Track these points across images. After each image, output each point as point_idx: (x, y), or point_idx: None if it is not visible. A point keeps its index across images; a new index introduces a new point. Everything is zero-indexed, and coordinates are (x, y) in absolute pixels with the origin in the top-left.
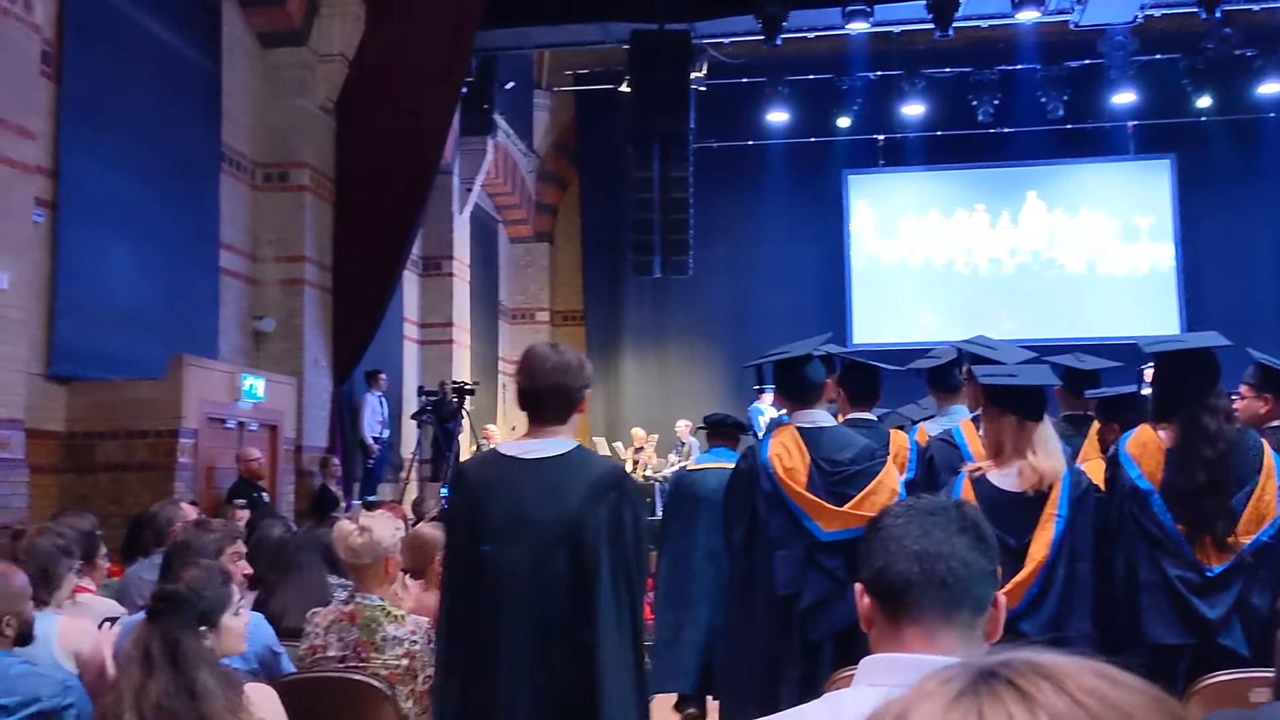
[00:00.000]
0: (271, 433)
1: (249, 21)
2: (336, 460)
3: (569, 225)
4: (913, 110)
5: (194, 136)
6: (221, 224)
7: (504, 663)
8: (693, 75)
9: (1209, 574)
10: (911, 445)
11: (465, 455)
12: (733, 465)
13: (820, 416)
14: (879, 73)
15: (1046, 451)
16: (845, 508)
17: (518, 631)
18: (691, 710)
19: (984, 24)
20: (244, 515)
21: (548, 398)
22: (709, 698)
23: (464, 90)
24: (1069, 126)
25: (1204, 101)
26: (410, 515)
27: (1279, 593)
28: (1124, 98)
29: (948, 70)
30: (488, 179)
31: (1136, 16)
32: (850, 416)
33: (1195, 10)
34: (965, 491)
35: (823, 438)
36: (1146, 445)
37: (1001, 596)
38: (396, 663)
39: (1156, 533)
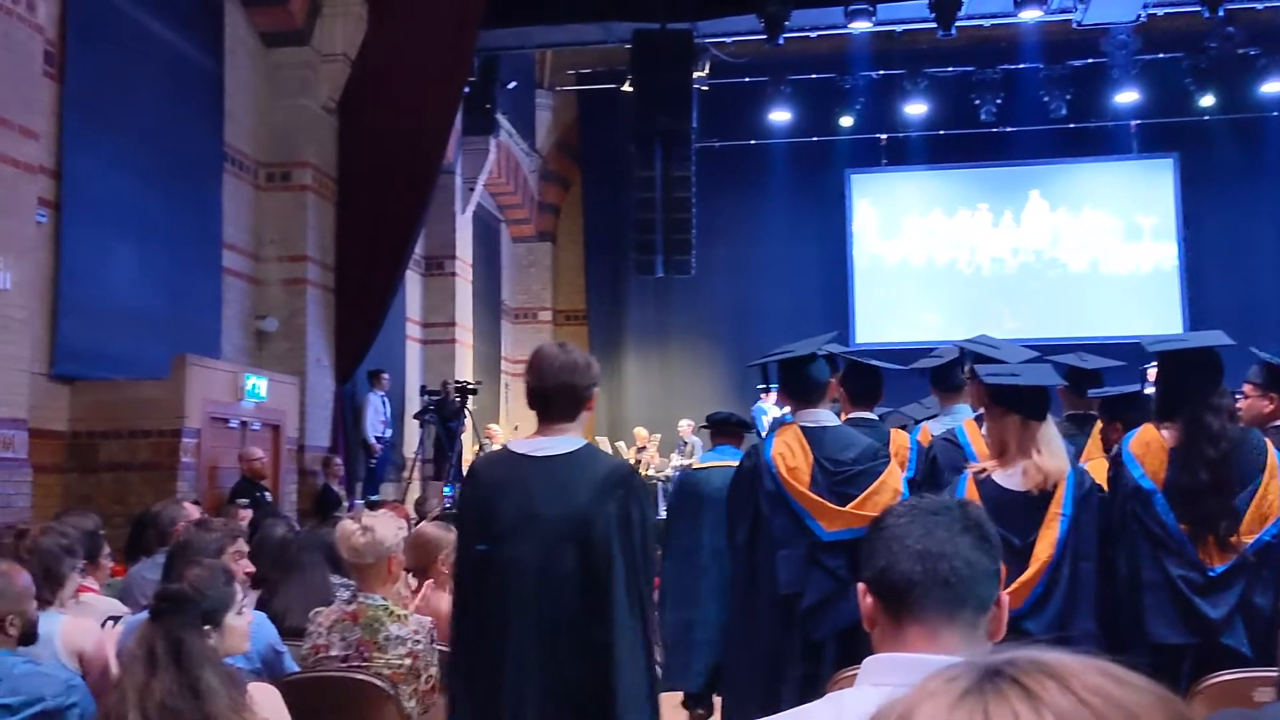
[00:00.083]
0: (274, 432)
1: (251, 21)
2: (339, 460)
3: (571, 225)
4: (915, 109)
5: (196, 136)
6: (224, 224)
7: (513, 659)
8: (695, 75)
9: (1211, 573)
10: (912, 444)
11: (468, 455)
12: (737, 463)
13: (824, 416)
14: (881, 72)
15: (1051, 451)
16: (848, 507)
17: (527, 627)
18: (699, 711)
19: (986, 23)
20: (247, 515)
21: (556, 396)
22: (716, 696)
23: (466, 90)
24: (1072, 126)
25: (1207, 100)
26: (413, 515)
27: None
28: (1127, 97)
29: (950, 69)
30: (490, 178)
31: (1139, 15)
32: (851, 416)
33: (1198, 9)
34: (969, 491)
35: (826, 437)
36: (1149, 444)
37: (1005, 596)
38: (399, 662)
39: (1159, 532)
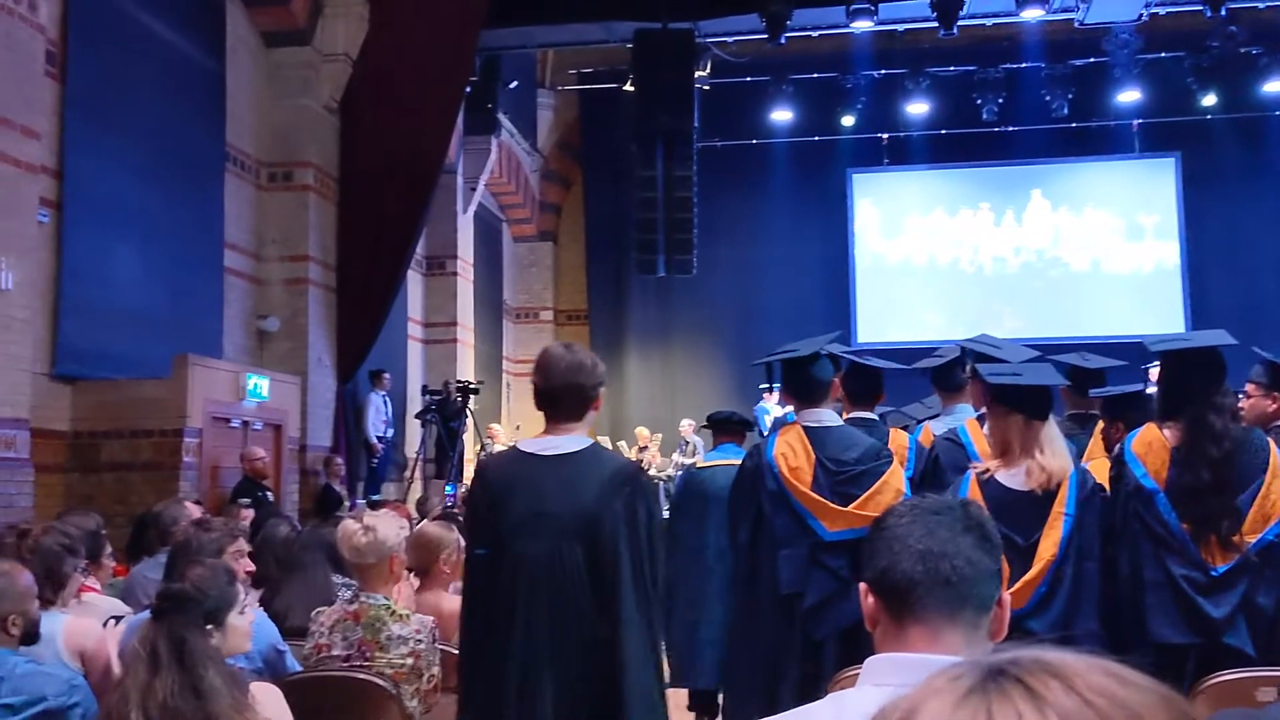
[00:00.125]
0: (276, 432)
1: (253, 21)
2: (340, 459)
3: (573, 224)
4: (917, 109)
5: (198, 136)
6: (226, 223)
7: (522, 656)
8: (696, 74)
9: (1214, 573)
10: (911, 444)
11: (470, 454)
12: (740, 461)
13: (826, 415)
14: (883, 71)
15: (1053, 450)
16: (850, 508)
17: (536, 625)
18: (707, 706)
19: (988, 22)
20: (248, 514)
21: (563, 396)
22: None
23: (468, 89)
24: (1073, 125)
25: (1209, 100)
26: (414, 514)
27: None
28: (1129, 96)
29: (952, 69)
30: (491, 178)
31: (1141, 14)
32: (851, 415)
33: (1200, 8)
34: (971, 491)
35: (828, 437)
36: (1151, 444)
37: (1006, 596)
38: (401, 662)
39: (1161, 532)
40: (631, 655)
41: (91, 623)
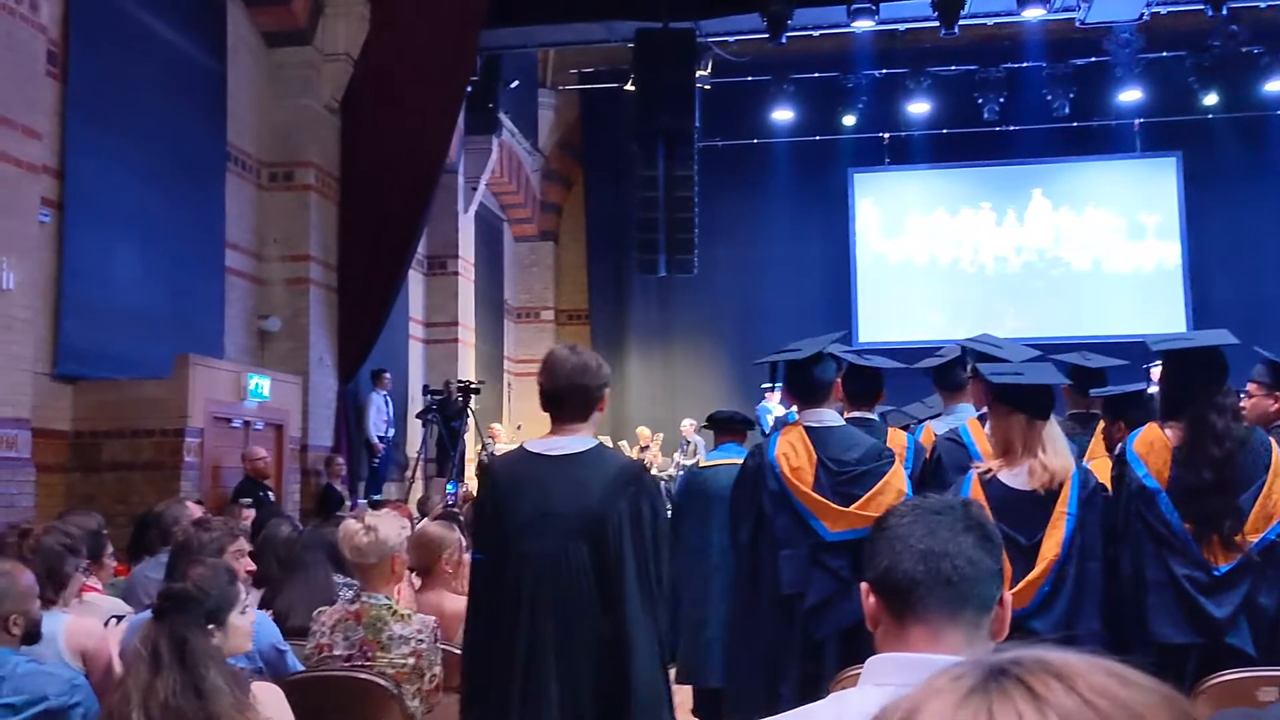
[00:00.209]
0: (277, 432)
1: (254, 21)
2: (341, 459)
3: (574, 224)
4: (918, 108)
5: (199, 136)
6: (227, 223)
7: (528, 654)
8: (697, 74)
9: (1216, 573)
10: (909, 444)
11: (471, 454)
12: (741, 461)
13: (828, 416)
14: (884, 71)
15: (1056, 450)
16: (851, 508)
17: (541, 623)
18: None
19: (989, 21)
20: (250, 514)
21: (568, 397)
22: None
23: (469, 89)
24: (1075, 124)
25: (1210, 99)
26: (415, 514)
27: None
28: (1130, 95)
29: (953, 68)
30: (492, 178)
31: (1143, 14)
32: (850, 416)
33: (1202, 7)
34: (974, 490)
35: (830, 437)
36: (1153, 444)
37: (1008, 595)
38: (403, 661)
39: (1163, 531)
40: (637, 653)
41: (93, 622)
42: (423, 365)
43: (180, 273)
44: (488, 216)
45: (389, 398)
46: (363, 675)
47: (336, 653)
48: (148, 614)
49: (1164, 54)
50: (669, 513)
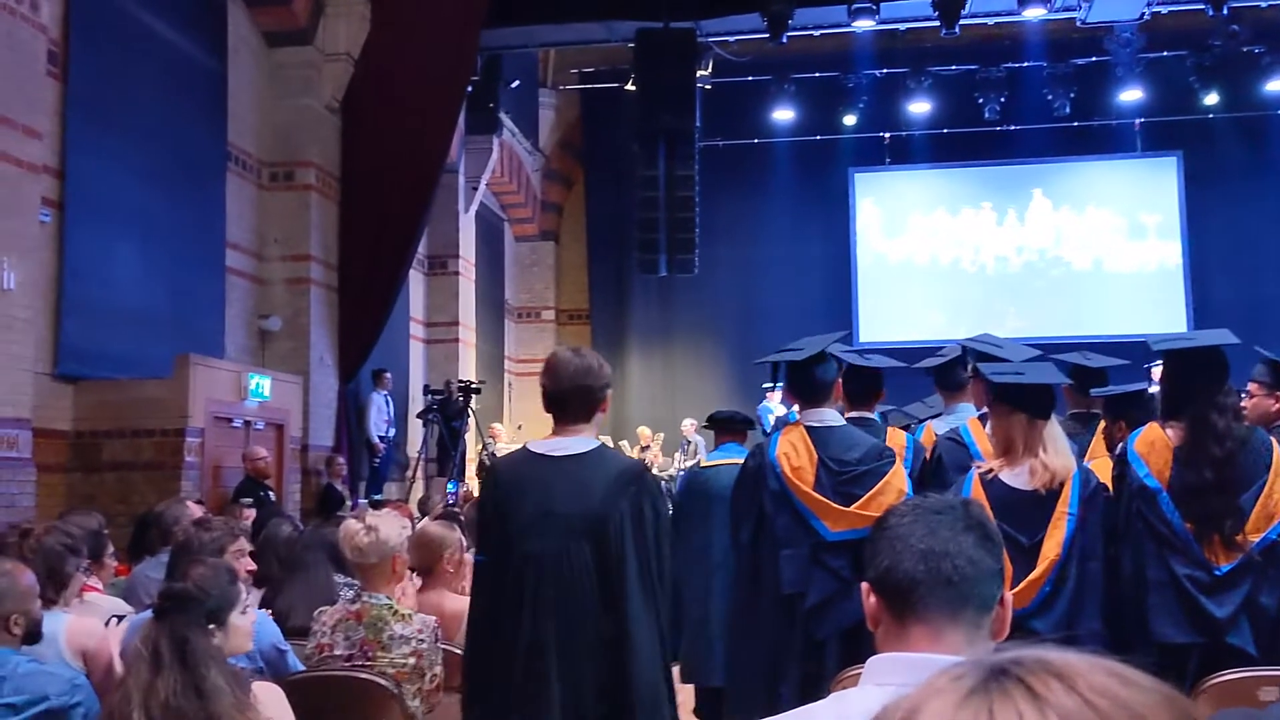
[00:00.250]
0: (278, 432)
1: (254, 21)
2: (341, 459)
3: (574, 224)
4: (919, 108)
5: (200, 136)
6: (227, 223)
7: (530, 653)
8: (698, 73)
9: (1217, 572)
10: (908, 443)
11: (471, 454)
12: (742, 461)
13: (829, 415)
14: (885, 70)
15: (1057, 449)
16: (852, 508)
17: (544, 622)
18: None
19: (990, 21)
20: (250, 514)
21: (571, 399)
22: None
23: (469, 89)
24: (1075, 124)
25: (1211, 99)
26: (416, 514)
27: None
28: (1131, 95)
29: (954, 68)
30: (493, 178)
31: (1143, 13)
32: (849, 416)
33: (1203, 7)
34: (975, 490)
35: (831, 437)
36: (1154, 444)
37: (1008, 595)
38: (404, 661)
39: (1164, 531)
40: (639, 652)
41: (94, 622)
42: (423, 365)
43: (181, 272)
44: (488, 216)
45: (390, 397)
46: (363, 675)
47: (337, 652)
48: (148, 614)
49: (1165, 53)
50: (670, 512)
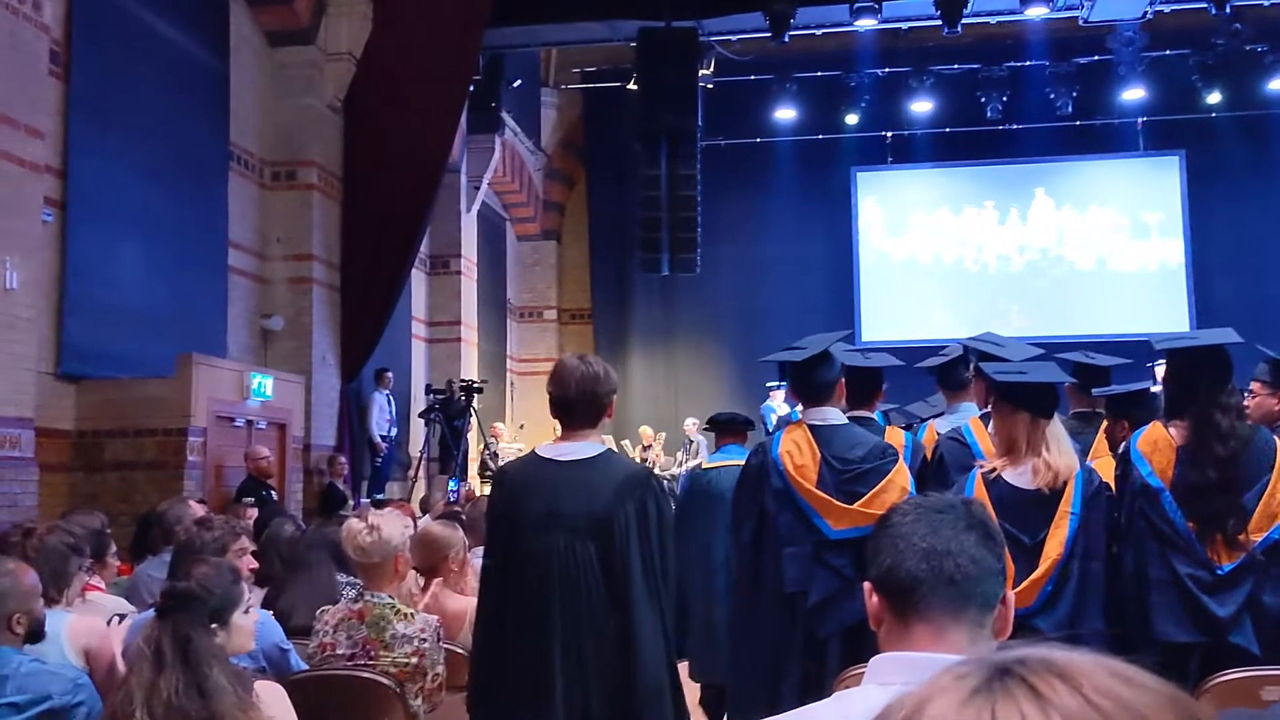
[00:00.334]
0: (280, 431)
1: (257, 20)
2: (343, 459)
3: (576, 223)
4: (921, 107)
5: (202, 135)
6: (230, 222)
7: (536, 649)
8: (700, 73)
9: (1219, 572)
10: (907, 442)
11: (473, 453)
12: (744, 461)
13: (832, 414)
14: (887, 69)
15: (1060, 449)
16: (855, 506)
17: (549, 619)
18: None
19: (992, 20)
20: (252, 513)
21: (578, 405)
22: None
23: (471, 88)
24: (1078, 123)
25: (1214, 97)
26: (418, 513)
27: None
28: (1133, 94)
29: (956, 67)
30: (495, 177)
31: (1146, 12)
32: (850, 415)
33: (1205, 6)
34: (977, 489)
35: (834, 436)
36: (1157, 443)
37: (1010, 594)
38: (406, 660)
39: (1167, 530)
40: (643, 648)
41: (96, 621)
42: (425, 364)
43: (183, 272)
44: (490, 216)
45: (391, 397)
46: (365, 674)
47: (339, 652)
48: (151, 613)
49: (1167, 52)
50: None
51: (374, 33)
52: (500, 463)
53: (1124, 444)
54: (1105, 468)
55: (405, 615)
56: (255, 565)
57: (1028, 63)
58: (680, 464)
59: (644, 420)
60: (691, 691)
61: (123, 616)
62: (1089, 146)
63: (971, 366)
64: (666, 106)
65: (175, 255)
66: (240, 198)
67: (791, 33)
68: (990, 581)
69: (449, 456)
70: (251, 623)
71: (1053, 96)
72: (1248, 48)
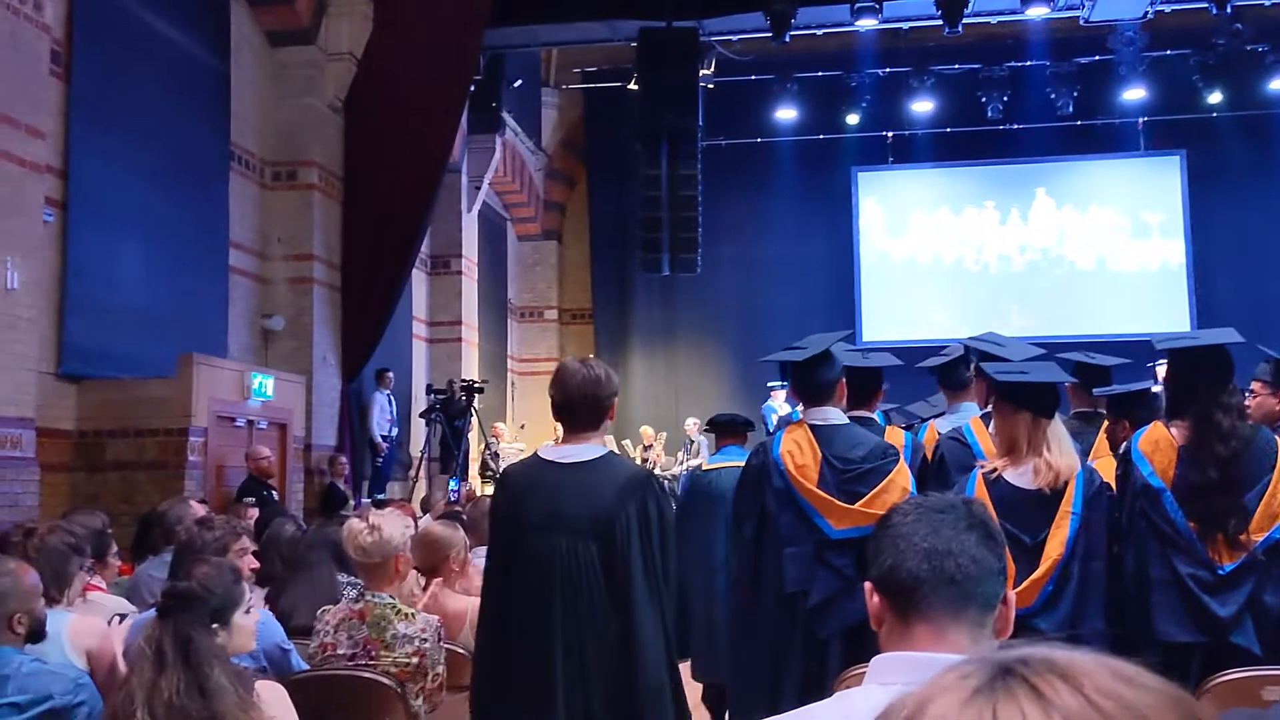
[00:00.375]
0: (281, 431)
1: (257, 20)
2: (344, 459)
3: (577, 223)
4: (922, 107)
5: (203, 135)
6: (230, 222)
7: (538, 649)
8: (701, 73)
9: (1221, 572)
10: (906, 442)
11: (474, 453)
12: (744, 463)
13: (833, 414)
14: (888, 69)
15: (1061, 449)
16: (856, 506)
17: (551, 619)
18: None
19: (993, 20)
20: (253, 513)
21: (580, 408)
22: None
23: (472, 88)
24: (1079, 123)
25: (1215, 97)
26: (419, 513)
27: None
28: (1134, 94)
29: (957, 67)
30: (496, 177)
31: (1147, 12)
32: (849, 415)
33: (1206, 5)
34: (978, 490)
35: (835, 435)
36: (1159, 443)
37: (1011, 594)
38: (406, 660)
39: (1168, 530)
40: (644, 648)
41: (97, 621)
42: (426, 364)
43: (184, 272)
44: (491, 216)
45: (392, 397)
46: (366, 674)
47: (340, 651)
48: (152, 613)
49: (1168, 52)
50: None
51: (375, 33)
52: (501, 462)
53: (1125, 444)
54: (1106, 468)
55: (406, 615)
56: (256, 565)
57: (1028, 62)
58: (681, 464)
59: (645, 420)
60: (692, 690)
61: (124, 616)
62: (1090, 146)
63: (972, 366)
64: (667, 106)
65: (176, 255)
66: (241, 198)
67: (792, 33)
68: (991, 581)
69: (450, 456)
70: (252, 623)
71: (1053, 96)
72: (1249, 48)
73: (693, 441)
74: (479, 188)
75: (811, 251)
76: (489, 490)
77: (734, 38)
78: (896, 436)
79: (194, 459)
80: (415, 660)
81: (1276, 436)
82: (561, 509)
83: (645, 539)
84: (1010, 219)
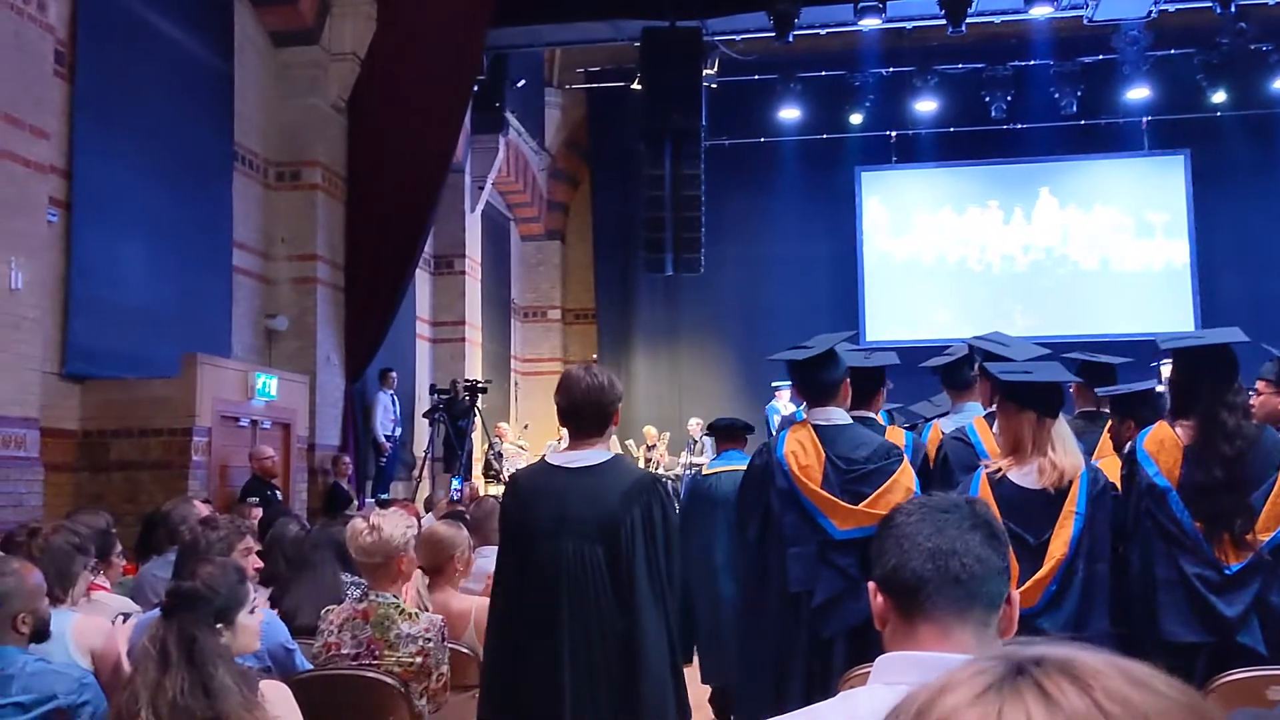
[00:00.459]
0: (284, 431)
1: (261, 20)
2: (347, 458)
3: (580, 223)
4: (925, 106)
5: (206, 135)
6: (234, 222)
7: (545, 650)
8: (704, 72)
9: (1227, 572)
10: (907, 442)
11: (478, 453)
12: (744, 466)
13: (836, 414)
14: (891, 69)
15: (1066, 448)
16: (860, 506)
17: (558, 621)
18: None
19: (997, 19)
20: (257, 513)
21: (585, 414)
22: None
23: (475, 88)
24: (1082, 122)
25: (1219, 97)
26: (423, 512)
27: None
28: (1138, 93)
29: (960, 66)
30: (499, 177)
31: (1151, 11)
32: (851, 415)
33: (1210, 5)
34: (982, 489)
35: (839, 436)
36: (1164, 442)
37: (1015, 593)
38: (410, 660)
39: (1174, 530)
40: (648, 649)
41: (101, 621)
42: (430, 364)
43: (188, 272)
44: (494, 216)
45: (396, 397)
46: (370, 674)
47: (344, 651)
48: (156, 613)
49: (1172, 51)
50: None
51: (378, 33)
52: (504, 462)
53: (1130, 443)
54: (1111, 467)
55: (410, 615)
56: (260, 565)
57: (1032, 62)
58: (685, 464)
59: (648, 420)
60: (698, 692)
61: (128, 616)
62: (1093, 146)
63: (976, 366)
64: (671, 106)
65: (180, 255)
66: (245, 198)
67: (795, 32)
68: (995, 581)
69: (453, 456)
70: (257, 622)
71: (1057, 96)
72: (1253, 47)
73: (696, 441)
74: (482, 188)
75: (815, 251)
76: (492, 490)
77: (737, 37)
78: (897, 436)
79: (198, 459)
80: (419, 660)
81: None
82: (568, 513)
83: (650, 542)
84: (1014, 219)
